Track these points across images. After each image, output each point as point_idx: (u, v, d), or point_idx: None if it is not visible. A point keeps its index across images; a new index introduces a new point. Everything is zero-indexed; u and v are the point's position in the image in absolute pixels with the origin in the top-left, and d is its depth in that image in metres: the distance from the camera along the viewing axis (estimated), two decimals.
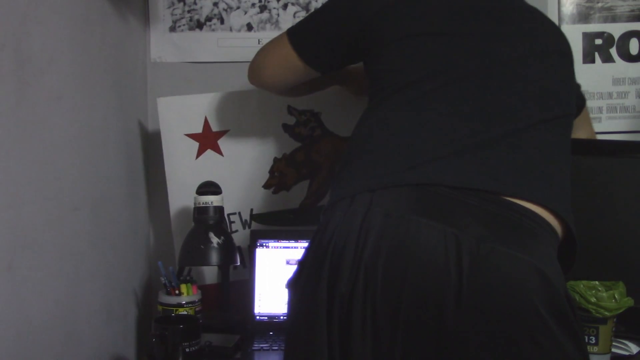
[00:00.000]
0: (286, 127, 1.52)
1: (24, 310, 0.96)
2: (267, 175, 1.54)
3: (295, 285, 0.93)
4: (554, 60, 1.02)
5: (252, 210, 1.54)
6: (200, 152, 1.50)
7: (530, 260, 0.80)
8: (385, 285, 0.81)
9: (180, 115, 1.49)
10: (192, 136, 1.49)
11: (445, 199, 0.85)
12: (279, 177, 1.53)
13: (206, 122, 1.50)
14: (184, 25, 1.58)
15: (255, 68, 1.25)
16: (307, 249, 0.92)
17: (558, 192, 0.92)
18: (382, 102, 0.99)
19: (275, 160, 1.53)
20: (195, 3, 1.57)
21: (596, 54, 1.57)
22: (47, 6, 1.05)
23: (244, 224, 1.54)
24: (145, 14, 1.58)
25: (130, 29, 1.49)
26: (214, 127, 1.50)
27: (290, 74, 1.20)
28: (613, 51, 1.57)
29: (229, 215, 1.50)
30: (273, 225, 1.53)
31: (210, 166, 1.49)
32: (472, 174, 0.88)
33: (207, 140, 1.50)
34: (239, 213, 1.54)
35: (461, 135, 0.91)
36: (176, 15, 1.58)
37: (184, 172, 1.49)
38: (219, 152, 1.51)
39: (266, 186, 1.53)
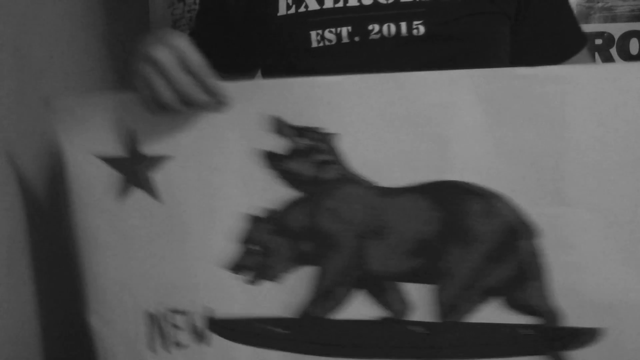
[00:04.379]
0: (272, 159, 0.82)
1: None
2: (236, 247, 0.85)
3: None
4: None
5: (211, 310, 0.87)
6: (124, 191, 0.86)
7: None
8: None
9: (88, 126, 0.86)
10: (111, 161, 0.86)
11: None
12: (259, 253, 0.85)
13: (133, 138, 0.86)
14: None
15: None
16: None
17: None
18: None
19: (253, 220, 0.84)
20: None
21: (596, 54, 1.57)
22: (47, 6, 1.05)
23: (198, 335, 0.87)
24: (145, 14, 1.58)
25: (131, 29, 1.49)
26: (147, 149, 0.85)
27: None
28: (613, 51, 1.57)
29: (172, 312, 0.88)
30: (249, 343, 0.86)
31: (138, 219, 0.87)
32: None
33: (134, 170, 0.86)
34: (189, 314, 0.88)
35: None
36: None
37: (99, 225, 0.88)
38: (152, 193, 0.86)
39: (236, 269, 0.85)
